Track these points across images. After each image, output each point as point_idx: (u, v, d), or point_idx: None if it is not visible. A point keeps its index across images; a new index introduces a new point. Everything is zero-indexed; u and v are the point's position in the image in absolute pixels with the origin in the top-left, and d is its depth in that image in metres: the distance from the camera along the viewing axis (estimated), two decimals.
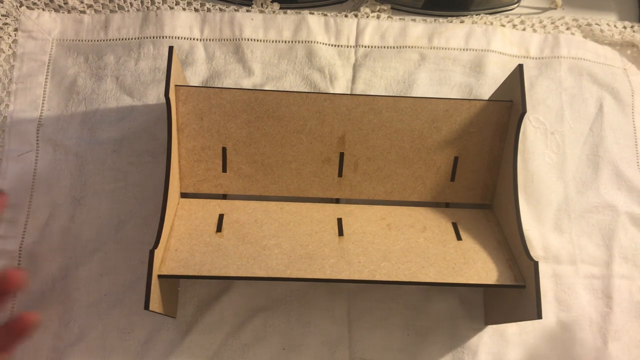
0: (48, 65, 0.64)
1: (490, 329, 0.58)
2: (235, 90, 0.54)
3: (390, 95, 0.58)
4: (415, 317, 0.58)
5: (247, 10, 0.66)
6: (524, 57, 0.68)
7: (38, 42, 0.64)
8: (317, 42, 0.66)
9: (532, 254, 0.55)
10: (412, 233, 0.55)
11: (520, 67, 0.53)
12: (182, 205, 0.56)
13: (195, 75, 0.64)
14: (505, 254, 0.53)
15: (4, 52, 0.63)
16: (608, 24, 0.69)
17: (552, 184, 0.63)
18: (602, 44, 0.70)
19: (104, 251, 0.58)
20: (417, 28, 0.67)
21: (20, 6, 0.65)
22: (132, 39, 0.65)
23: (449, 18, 0.69)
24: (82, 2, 0.65)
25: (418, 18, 0.68)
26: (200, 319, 0.57)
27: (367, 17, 0.67)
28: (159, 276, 0.48)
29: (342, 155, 0.57)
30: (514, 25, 0.69)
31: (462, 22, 0.68)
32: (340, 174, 0.58)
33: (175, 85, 0.53)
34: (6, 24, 0.64)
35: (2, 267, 0.57)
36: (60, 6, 0.65)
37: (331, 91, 0.65)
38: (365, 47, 0.67)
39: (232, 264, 0.50)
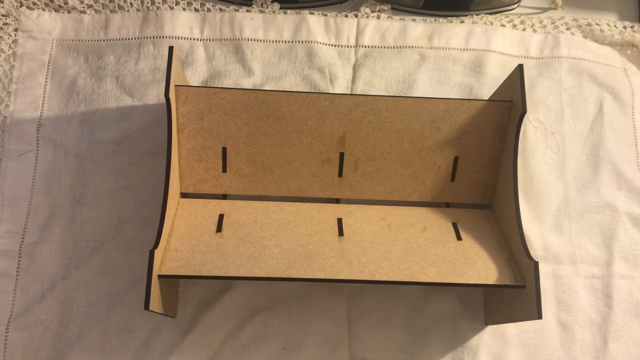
0: (48, 65, 0.64)
1: (490, 329, 0.58)
2: (235, 90, 0.54)
3: (390, 95, 0.58)
4: (415, 317, 0.58)
5: (247, 10, 0.66)
6: (524, 57, 0.68)
7: (38, 42, 0.64)
8: (317, 42, 0.66)
9: (532, 254, 0.55)
10: (412, 233, 0.55)
11: (520, 67, 0.53)
12: (182, 205, 0.56)
13: (195, 75, 0.64)
14: (505, 254, 0.53)
15: (4, 52, 0.63)
16: (608, 24, 0.69)
17: (552, 184, 0.63)
18: (602, 44, 0.70)
19: (104, 251, 0.58)
20: (417, 28, 0.67)
21: (20, 6, 0.65)
22: (132, 39, 0.65)
23: (449, 18, 0.69)
24: (82, 2, 0.65)
25: (418, 18, 0.68)
26: (200, 319, 0.57)
27: (367, 17, 0.67)
28: (159, 276, 0.48)
29: (342, 155, 0.57)
30: (514, 25, 0.69)
31: (462, 22, 0.68)
32: (340, 174, 0.58)
33: (175, 85, 0.52)
34: (6, 24, 0.64)
35: (2, 267, 0.57)
36: (60, 6, 0.65)
37: (331, 91, 0.65)
38: (365, 47, 0.67)
39: (232, 264, 0.50)
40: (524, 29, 0.69)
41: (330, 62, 0.65)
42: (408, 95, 0.62)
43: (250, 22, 0.66)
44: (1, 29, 0.63)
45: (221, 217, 0.55)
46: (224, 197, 0.58)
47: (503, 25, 0.69)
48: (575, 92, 0.66)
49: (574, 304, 0.60)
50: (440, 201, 0.59)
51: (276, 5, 0.67)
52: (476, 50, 0.67)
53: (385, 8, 0.68)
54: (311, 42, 0.66)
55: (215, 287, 0.58)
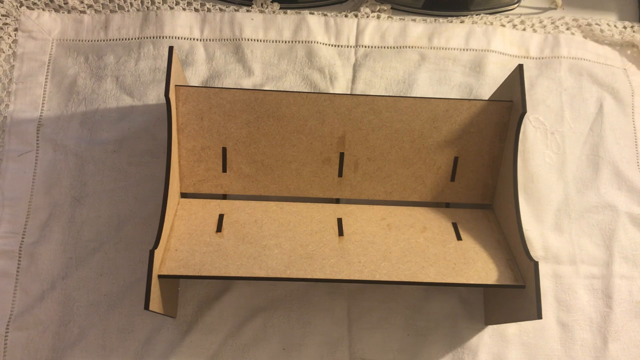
0: (48, 65, 0.64)
1: (490, 329, 0.58)
2: (235, 90, 0.54)
3: (390, 95, 0.58)
4: (415, 317, 0.58)
5: (247, 10, 0.66)
6: (524, 57, 0.68)
7: (38, 42, 0.64)
8: (317, 42, 0.66)
9: (532, 254, 0.55)
10: (412, 233, 0.55)
11: (520, 67, 0.53)
12: (182, 205, 0.56)
13: (195, 75, 0.64)
14: (505, 254, 0.53)
15: (4, 52, 0.63)
16: (608, 24, 0.69)
17: (552, 184, 0.63)
18: (602, 44, 0.70)
19: (104, 251, 0.58)
20: (417, 28, 0.67)
21: (21, 6, 0.65)
22: (132, 39, 0.65)
23: (449, 18, 0.69)
24: (82, 2, 0.65)
25: (418, 18, 0.68)
26: (200, 319, 0.57)
27: (367, 17, 0.67)
28: (159, 276, 0.48)
29: (342, 155, 0.57)
30: (514, 25, 0.69)
31: (462, 22, 0.68)
32: (340, 174, 0.58)
33: (175, 85, 0.53)
34: (6, 24, 0.64)
35: (2, 267, 0.57)
36: (60, 6, 0.65)
37: (331, 91, 0.65)
38: (365, 47, 0.67)
39: (232, 264, 0.50)
40: (524, 29, 0.69)
41: (330, 62, 0.65)
42: (408, 95, 0.62)
43: (250, 22, 0.66)
44: (1, 29, 0.63)
45: (221, 217, 0.55)
46: (224, 197, 0.58)
47: (503, 25, 0.69)
48: (575, 92, 0.66)
49: (574, 304, 0.60)
50: (440, 201, 0.59)
51: (276, 5, 0.67)
52: (476, 50, 0.67)
53: (385, 8, 0.68)
54: (311, 42, 0.66)
55: (215, 287, 0.58)
